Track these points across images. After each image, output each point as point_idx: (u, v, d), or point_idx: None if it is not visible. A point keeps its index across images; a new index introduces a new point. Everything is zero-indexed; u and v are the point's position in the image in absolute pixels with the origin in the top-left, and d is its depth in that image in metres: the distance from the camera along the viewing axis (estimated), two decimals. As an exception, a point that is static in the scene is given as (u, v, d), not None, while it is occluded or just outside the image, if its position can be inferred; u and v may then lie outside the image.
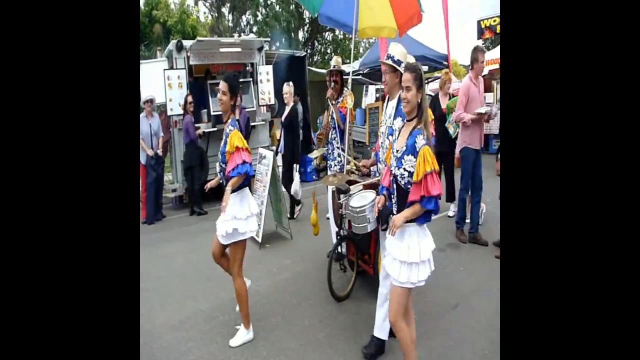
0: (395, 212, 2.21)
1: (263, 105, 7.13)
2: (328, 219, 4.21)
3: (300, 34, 20.11)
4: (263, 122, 7.15)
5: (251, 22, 20.45)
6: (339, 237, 3.45)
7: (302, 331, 3.02)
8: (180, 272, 4.18)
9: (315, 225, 4.09)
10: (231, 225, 2.71)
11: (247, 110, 6.44)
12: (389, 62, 2.70)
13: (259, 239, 4.70)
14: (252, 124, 6.74)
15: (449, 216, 5.48)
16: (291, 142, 5.61)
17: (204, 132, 6.27)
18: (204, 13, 17.34)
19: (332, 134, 4.03)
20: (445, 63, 9.92)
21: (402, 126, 2.27)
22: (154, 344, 2.95)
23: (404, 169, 2.11)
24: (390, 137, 2.67)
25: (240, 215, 2.73)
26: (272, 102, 7.32)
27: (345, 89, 3.94)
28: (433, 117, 3.28)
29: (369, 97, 9.97)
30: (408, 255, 2.11)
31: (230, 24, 20.80)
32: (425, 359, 2.63)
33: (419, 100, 2.13)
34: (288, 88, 5.49)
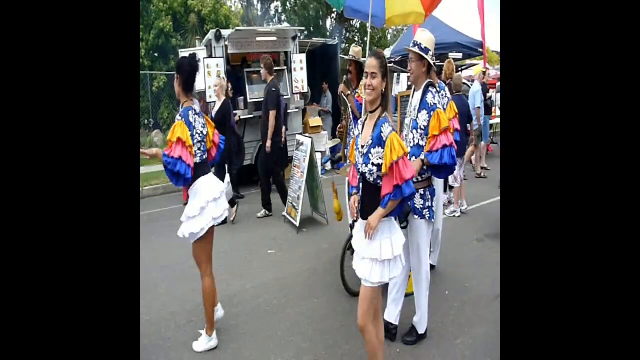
0: (360, 213, 2.07)
1: (297, 93, 7.22)
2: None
3: (328, 23, 20.01)
4: (297, 110, 7.25)
5: (279, 10, 20.51)
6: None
7: (345, 312, 3.12)
8: (223, 252, 4.35)
9: (338, 213, 4.10)
10: (186, 227, 2.57)
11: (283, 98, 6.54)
12: (416, 49, 2.53)
13: (297, 223, 4.83)
14: (287, 111, 6.84)
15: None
16: (223, 141, 5.19)
17: (240, 118, 6.43)
18: (234, 2, 17.49)
19: (350, 125, 3.98)
20: (480, 50, 9.71)
21: (366, 119, 2.09)
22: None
23: (372, 164, 1.94)
24: (414, 131, 2.55)
25: (193, 213, 2.55)
26: (306, 90, 7.40)
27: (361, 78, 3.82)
28: (458, 112, 3.07)
29: (401, 85, 9.89)
30: (380, 252, 1.96)
31: (259, 13, 20.92)
32: (468, 346, 2.68)
33: (383, 89, 1.99)
34: (218, 80, 4.92)
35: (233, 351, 2.73)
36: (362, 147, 2.01)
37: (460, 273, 3.69)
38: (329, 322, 3.00)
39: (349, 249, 3.31)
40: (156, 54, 11.84)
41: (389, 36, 22.51)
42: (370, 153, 1.94)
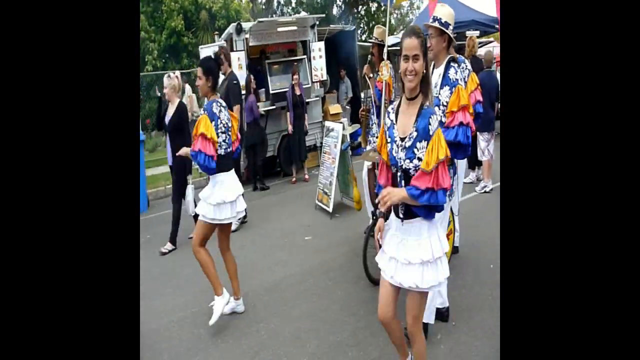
0: (401, 215, 1.82)
1: (316, 82, 7.21)
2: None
3: (335, 10, 19.82)
4: (317, 98, 7.25)
5: (282, 1, 20.39)
6: (374, 217, 3.28)
7: (393, 291, 3.16)
8: (260, 241, 4.43)
9: (358, 202, 4.04)
10: (206, 209, 2.74)
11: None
12: (436, 24, 2.44)
13: (330, 209, 4.86)
14: (306, 100, 6.84)
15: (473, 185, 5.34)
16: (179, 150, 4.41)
17: (263, 111, 6.48)
18: (240, -4, 17.43)
19: (371, 110, 3.83)
20: (497, 27, 9.52)
21: (399, 105, 1.83)
22: (257, 304, 3.20)
23: (418, 159, 1.70)
24: (436, 108, 2.38)
25: (211, 201, 2.72)
26: (325, 78, 7.39)
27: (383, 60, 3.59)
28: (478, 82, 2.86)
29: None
30: (432, 251, 1.77)
31: (263, 6, 20.82)
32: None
33: (425, 70, 1.72)
34: (169, 81, 4.20)
35: (290, 333, 2.79)
36: (402, 139, 1.76)
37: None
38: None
39: (372, 235, 3.23)
40: (167, 55, 11.91)
41: (392, 20, 22.26)
42: (416, 147, 1.71)
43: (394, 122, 1.82)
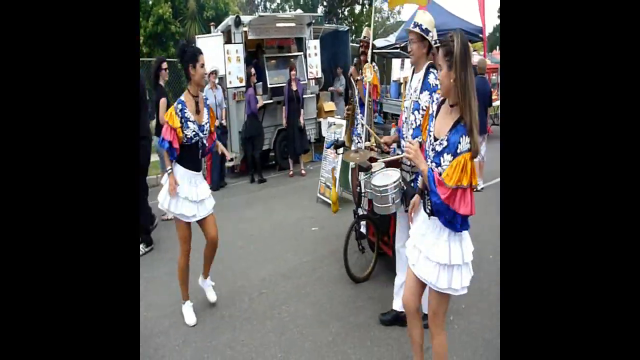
0: (427, 210, 1.87)
1: (312, 79, 7.33)
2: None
3: (320, 10, 19.96)
4: (312, 95, 7.37)
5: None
6: (356, 216, 3.36)
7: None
8: (268, 232, 4.52)
9: (335, 203, 4.15)
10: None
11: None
12: (417, 30, 2.50)
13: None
14: (304, 96, 6.93)
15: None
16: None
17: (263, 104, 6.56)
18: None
19: (357, 110, 3.93)
20: (481, 36, 9.99)
21: (441, 104, 1.85)
22: (275, 289, 3.31)
23: (443, 169, 1.75)
24: (416, 112, 2.50)
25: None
26: (320, 75, 7.53)
27: (367, 62, 3.67)
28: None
29: (405, 70, 10.15)
30: (450, 256, 1.77)
31: (243, 0, 20.63)
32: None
33: (452, 81, 1.68)
34: None
35: (312, 315, 2.92)
36: (436, 141, 1.79)
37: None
38: (389, 290, 3.21)
39: (354, 231, 3.36)
40: (153, 42, 11.59)
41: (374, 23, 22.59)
42: (443, 156, 1.75)
43: (434, 117, 1.86)
